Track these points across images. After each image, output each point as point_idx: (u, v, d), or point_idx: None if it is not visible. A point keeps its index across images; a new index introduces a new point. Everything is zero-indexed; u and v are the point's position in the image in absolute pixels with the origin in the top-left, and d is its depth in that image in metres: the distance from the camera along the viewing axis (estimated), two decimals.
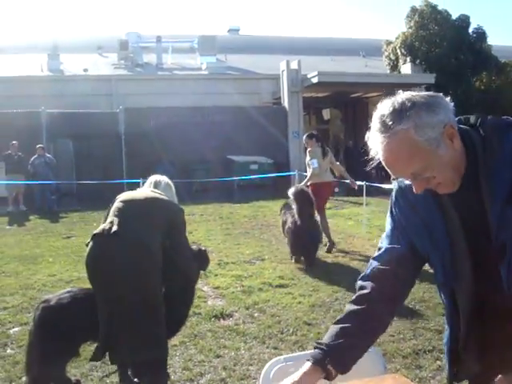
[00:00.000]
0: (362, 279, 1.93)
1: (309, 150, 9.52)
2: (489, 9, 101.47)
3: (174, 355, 4.61)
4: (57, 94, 21.77)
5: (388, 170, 1.68)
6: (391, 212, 1.97)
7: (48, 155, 16.60)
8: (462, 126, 1.70)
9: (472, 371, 1.90)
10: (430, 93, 1.68)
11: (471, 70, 24.01)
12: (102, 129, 19.39)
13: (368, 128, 1.66)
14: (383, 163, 1.67)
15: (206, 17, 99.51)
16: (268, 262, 8.15)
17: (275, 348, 4.81)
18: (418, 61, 24.14)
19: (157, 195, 3.94)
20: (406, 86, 22.79)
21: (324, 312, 5.72)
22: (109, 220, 3.70)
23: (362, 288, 1.91)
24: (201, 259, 4.17)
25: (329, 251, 8.92)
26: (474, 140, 1.68)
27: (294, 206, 8.32)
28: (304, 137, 9.95)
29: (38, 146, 16.33)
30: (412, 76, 23.25)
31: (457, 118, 1.68)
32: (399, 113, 1.60)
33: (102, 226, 3.69)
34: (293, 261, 8.17)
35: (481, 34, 25.07)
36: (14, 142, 16.06)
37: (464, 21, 24.97)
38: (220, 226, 12.00)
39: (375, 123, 1.64)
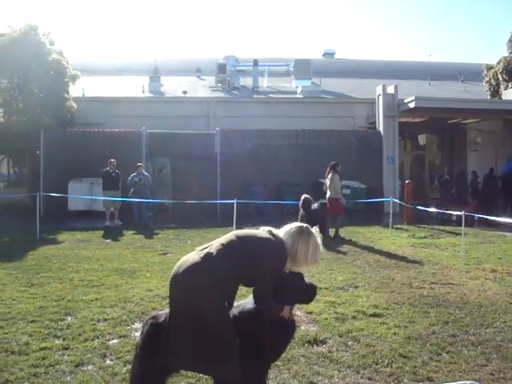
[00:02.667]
0: None
1: (331, 175, 13.94)
2: None
3: (267, 378, 4.59)
4: (157, 114, 22.70)
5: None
6: None
7: (145, 173, 17.18)
8: None
9: None
10: None
11: None
12: (199, 149, 19.99)
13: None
14: None
15: (302, 40, 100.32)
16: (362, 289, 8.02)
17: (370, 379, 4.72)
18: None
19: (258, 231, 3.97)
20: (508, 113, 22.01)
21: (420, 345, 5.55)
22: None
23: None
24: (308, 293, 4.10)
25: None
26: None
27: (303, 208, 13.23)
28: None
29: (137, 165, 16.95)
30: None
31: None
32: None
33: None
34: None
35: None
36: (112, 159, 16.79)
37: None
38: None
39: None
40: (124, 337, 5.83)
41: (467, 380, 4.52)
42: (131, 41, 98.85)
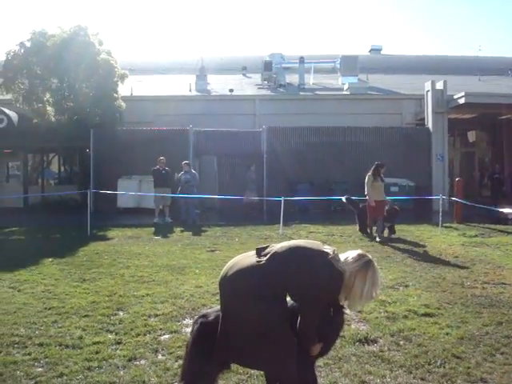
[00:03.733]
0: None
1: (368, 174, 13.64)
2: None
3: (319, 376, 4.53)
4: (204, 113, 22.88)
5: None
6: None
7: (193, 171, 17.31)
8: None
9: None
10: None
11: None
12: (245, 147, 20.08)
13: None
14: None
15: (348, 36, 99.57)
16: (412, 288, 7.89)
17: (422, 379, 4.64)
18: None
19: (320, 252, 3.64)
20: None
21: (473, 346, 5.43)
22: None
23: None
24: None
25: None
26: None
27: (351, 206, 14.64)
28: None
29: (183, 163, 17.12)
30: None
31: None
32: None
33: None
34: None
35: None
36: (161, 157, 17.02)
37: None
38: (360, 248, 11.74)
39: None
40: (175, 332, 5.90)
41: None
42: (178, 40, 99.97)
